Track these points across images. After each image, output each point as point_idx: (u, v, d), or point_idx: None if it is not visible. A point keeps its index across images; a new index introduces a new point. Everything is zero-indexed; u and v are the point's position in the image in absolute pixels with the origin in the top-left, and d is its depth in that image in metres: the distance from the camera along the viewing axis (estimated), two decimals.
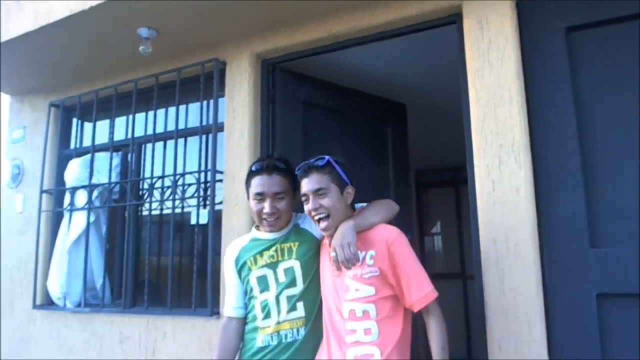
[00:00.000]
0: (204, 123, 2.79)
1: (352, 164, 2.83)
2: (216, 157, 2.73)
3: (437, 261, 5.81)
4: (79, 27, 2.60)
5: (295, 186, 1.94)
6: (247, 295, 1.97)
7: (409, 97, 3.25)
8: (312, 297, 1.90)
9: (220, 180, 2.72)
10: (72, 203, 3.12)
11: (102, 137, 3.23)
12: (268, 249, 1.95)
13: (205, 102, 2.81)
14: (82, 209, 3.05)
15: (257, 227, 2.04)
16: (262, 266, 1.93)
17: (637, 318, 1.71)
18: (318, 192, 1.79)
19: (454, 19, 2.17)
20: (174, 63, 2.87)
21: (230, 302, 1.99)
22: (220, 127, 2.75)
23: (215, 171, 2.70)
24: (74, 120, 3.47)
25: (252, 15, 2.49)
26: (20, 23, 2.68)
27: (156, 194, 2.92)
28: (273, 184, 1.92)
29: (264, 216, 1.92)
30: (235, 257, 2.00)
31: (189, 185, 2.80)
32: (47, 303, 3.25)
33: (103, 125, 3.26)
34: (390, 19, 2.31)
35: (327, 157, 1.84)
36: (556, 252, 1.83)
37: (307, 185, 1.81)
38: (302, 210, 1.84)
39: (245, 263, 1.96)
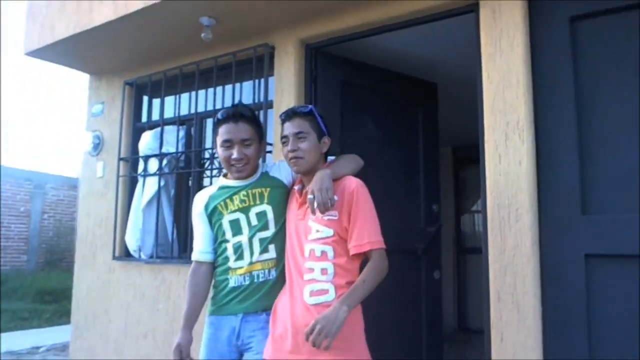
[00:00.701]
0: (256, 101, 3.17)
1: (384, 140, 3.16)
2: (267, 130, 3.12)
3: (477, 239, 5.85)
4: (150, 17, 3.02)
5: (262, 134, 2.03)
6: (218, 239, 2.01)
7: (440, 76, 3.49)
8: (282, 240, 1.96)
9: (270, 152, 3.11)
10: (145, 169, 3.61)
11: (169, 112, 3.70)
12: (237, 193, 1.99)
13: (257, 82, 3.18)
14: (154, 174, 3.54)
15: (225, 176, 2.08)
16: (234, 210, 1.98)
17: (618, 275, 1.96)
18: (298, 135, 1.86)
19: (472, 9, 2.41)
20: (231, 47, 3.25)
21: (199, 247, 2.04)
22: (270, 105, 3.12)
23: (266, 143, 3.09)
24: (145, 97, 3.97)
25: (297, 5, 2.82)
26: (102, 13, 3.13)
27: (216, 162, 3.34)
28: (240, 130, 1.95)
29: (232, 162, 1.96)
30: (205, 204, 2.04)
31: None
32: (125, 255, 3.80)
33: (170, 101, 3.71)
34: (418, 8, 2.57)
35: (310, 106, 1.95)
36: (551, 217, 2.09)
37: (289, 128, 1.89)
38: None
39: (215, 208, 2.00)
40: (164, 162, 3.53)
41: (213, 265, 2.04)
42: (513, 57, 2.21)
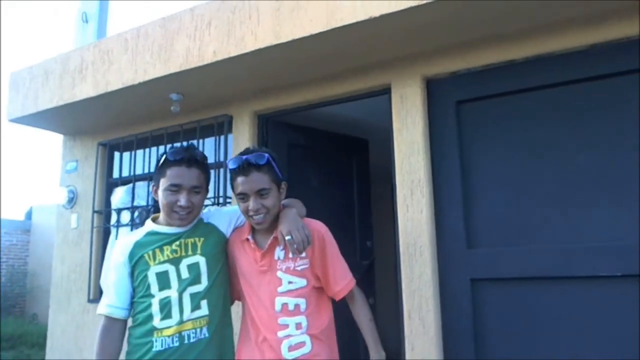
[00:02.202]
0: (217, 160, 3.77)
1: (324, 189, 3.81)
2: (226, 185, 3.72)
3: None
4: (127, 94, 3.60)
5: (208, 182, 1.91)
6: (139, 294, 1.81)
7: (370, 133, 4.21)
8: (216, 294, 1.83)
9: (229, 203, 3.69)
10: (118, 221, 4.12)
11: (139, 169, 4.25)
12: (170, 243, 1.83)
13: (217, 144, 3.79)
14: (126, 225, 4.06)
15: (154, 220, 1.92)
16: (163, 262, 1.80)
17: (495, 293, 2.66)
18: (260, 192, 1.76)
19: (387, 92, 3.13)
20: (195, 116, 3.85)
21: (112, 302, 1.82)
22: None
23: (225, 196, 3.69)
24: (116, 153, 4.50)
25: (251, 85, 3.47)
26: (84, 90, 3.69)
27: None
28: (192, 177, 1.81)
29: (177, 209, 1.81)
30: (129, 253, 1.84)
31: (206, 206, 3.77)
32: (99, 297, 4.22)
33: (139, 158, 4.27)
34: (347, 90, 3.26)
35: (266, 154, 1.82)
36: (445, 251, 2.79)
37: (246, 184, 1.76)
38: None
39: (142, 258, 1.82)
40: (136, 214, 4.06)
41: (125, 323, 1.83)
42: (415, 132, 2.92)
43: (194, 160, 1.85)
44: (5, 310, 11.15)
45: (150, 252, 1.82)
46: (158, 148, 4.10)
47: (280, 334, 1.77)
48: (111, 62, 3.54)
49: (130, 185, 4.14)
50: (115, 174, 4.44)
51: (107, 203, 4.34)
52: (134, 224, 4.03)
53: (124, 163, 4.44)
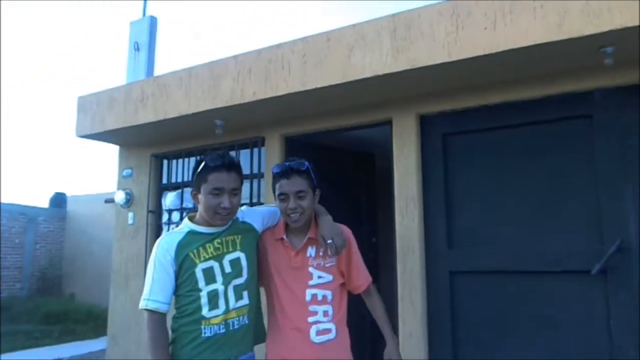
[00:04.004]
0: (252, 172, 4.64)
1: (337, 197, 4.67)
2: (259, 192, 4.59)
3: None
4: (180, 120, 4.47)
5: (242, 183, 2.06)
6: (187, 288, 1.96)
7: (376, 149, 5.06)
8: (254, 285, 2.04)
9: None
10: (169, 219, 5.04)
11: (187, 176, 5.14)
12: (211, 241, 1.98)
13: (252, 160, 4.66)
14: (176, 223, 4.97)
15: (191, 219, 2.06)
16: (208, 259, 1.96)
17: (469, 283, 3.52)
18: (299, 194, 1.99)
19: (389, 122, 3.96)
20: (234, 137, 4.70)
21: (160, 299, 1.96)
22: (262, 175, 4.61)
23: (259, 203, 4.57)
24: (165, 163, 5.40)
25: (280, 114, 4.33)
26: (145, 116, 4.57)
27: None
28: (231, 180, 1.96)
29: (220, 211, 1.94)
30: (174, 254, 1.96)
31: None
32: None
33: (187, 166, 5.16)
34: (357, 121, 4.10)
35: (306, 162, 2.07)
36: (431, 251, 3.65)
37: (288, 185, 1.99)
38: None
39: (187, 257, 1.95)
40: (184, 214, 4.96)
41: (166, 316, 1.99)
42: (410, 158, 3.77)
43: (232, 165, 2.02)
44: (44, 291, 12.27)
45: (195, 251, 1.97)
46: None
47: (310, 319, 2.02)
48: (168, 95, 4.41)
49: (180, 190, 5.04)
50: (164, 180, 5.35)
51: (159, 204, 5.25)
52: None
53: (172, 171, 5.35)
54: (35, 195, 28.45)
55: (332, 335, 2.03)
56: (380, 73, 3.39)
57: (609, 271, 3.05)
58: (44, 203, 13.72)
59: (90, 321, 9.49)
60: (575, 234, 3.24)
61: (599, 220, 3.15)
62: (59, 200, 13.53)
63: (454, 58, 3.15)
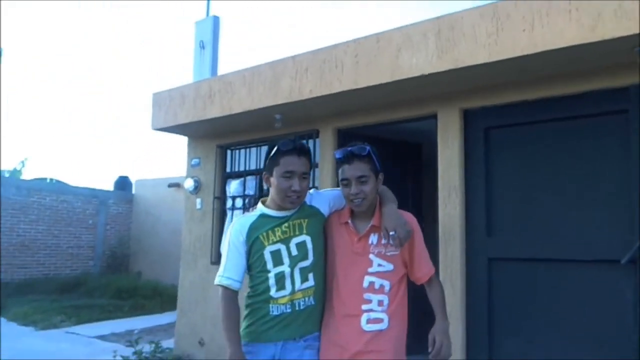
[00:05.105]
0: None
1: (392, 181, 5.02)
2: (314, 179, 4.99)
3: None
4: (243, 114, 4.92)
5: (311, 168, 2.09)
6: (257, 269, 2.04)
7: (424, 139, 5.34)
8: (319, 267, 2.06)
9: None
10: (233, 205, 5.54)
11: (249, 166, 5.61)
12: (280, 225, 2.04)
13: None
14: (239, 209, 5.47)
15: (263, 203, 2.13)
16: (276, 242, 2.02)
17: (506, 269, 3.79)
18: (360, 179, 1.97)
19: (434, 116, 4.24)
20: (291, 129, 5.10)
21: (232, 276, 2.04)
22: (316, 165, 5.00)
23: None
24: (228, 153, 5.90)
25: (333, 109, 4.70)
26: (212, 111, 5.06)
27: None
28: (302, 164, 2.01)
29: (290, 194, 2.00)
30: (246, 234, 2.06)
31: None
32: (218, 261, 5.67)
33: (250, 156, 5.62)
34: (405, 115, 4.41)
35: (367, 147, 2.05)
36: (471, 238, 3.94)
37: (350, 170, 1.98)
38: None
39: (257, 239, 2.03)
40: (246, 200, 5.45)
41: (238, 292, 2.07)
42: (454, 150, 4.06)
43: (303, 150, 2.08)
44: (114, 268, 13.25)
45: (264, 234, 2.05)
46: (260, 149, 5.46)
47: (364, 307, 2.01)
48: (233, 92, 4.88)
49: (242, 178, 5.53)
50: (228, 169, 5.85)
51: (223, 191, 5.76)
52: (245, 208, 5.43)
53: (235, 160, 5.84)
54: (101, 179, 30.32)
55: (383, 326, 2.02)
56: (426, 72, 3.69)
57: (639, 261, 3.26)
58: (109, 186, 14.72)
59: (156, 297, 10.26)
60: (606, 225, 3.44)
61: (632, 212, 3.34)
62: (122, 183, 14.52)
63: (494, 58, 3.41)
